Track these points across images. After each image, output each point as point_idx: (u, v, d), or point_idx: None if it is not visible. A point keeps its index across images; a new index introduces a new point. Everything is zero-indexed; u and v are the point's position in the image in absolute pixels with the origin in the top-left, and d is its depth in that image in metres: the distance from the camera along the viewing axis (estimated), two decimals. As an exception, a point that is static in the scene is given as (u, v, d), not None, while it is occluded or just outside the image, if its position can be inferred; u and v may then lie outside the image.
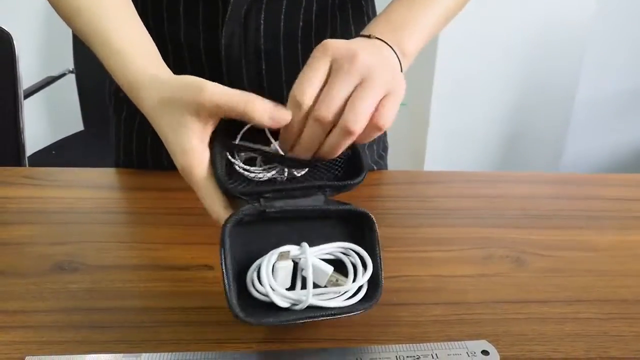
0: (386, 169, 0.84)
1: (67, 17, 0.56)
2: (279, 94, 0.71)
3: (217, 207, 0.45)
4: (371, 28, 0.54)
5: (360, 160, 0.48)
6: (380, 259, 0.46)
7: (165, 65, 0.52)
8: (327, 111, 0.44)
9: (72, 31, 0.56)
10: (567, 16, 1.82)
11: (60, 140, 1.88)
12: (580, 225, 0.65)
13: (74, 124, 1.94)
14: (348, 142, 0.45)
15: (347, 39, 0.49)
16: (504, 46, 1.81)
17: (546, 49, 1.85)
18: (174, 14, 0.68)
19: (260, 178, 0.46)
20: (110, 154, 0.82)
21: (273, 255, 0.44)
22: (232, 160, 0.47)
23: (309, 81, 0.44)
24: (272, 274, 0.43)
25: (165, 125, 0.46)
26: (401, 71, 0.51)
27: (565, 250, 0.60)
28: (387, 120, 0.45)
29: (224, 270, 0.41)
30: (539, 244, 0.61)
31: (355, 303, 0.44)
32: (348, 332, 0.47)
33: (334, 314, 0.43)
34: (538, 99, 1.93)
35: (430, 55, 1.77)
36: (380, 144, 0.83)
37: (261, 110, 0.44)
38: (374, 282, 0.45)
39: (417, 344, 0.45)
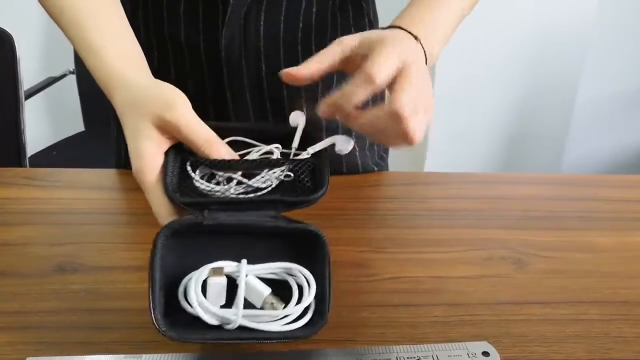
0: (387, 170, 0.84)
1: (53, 16, 0.56)
2: (278, 95, 0.72)
3: (162, 213, 0.44)
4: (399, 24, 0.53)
5: (323, 177, 0.44)
6: (330, 282, 0.42)
7: (146, 68, 0.52)
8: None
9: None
10: (568, 17, 1.82)
11: (61, 141, 1.88)
12: (582, 226, 0.65)
13: (75, 124, 1.94)
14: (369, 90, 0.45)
15: None
16: (505, 47, 1.81)
17: (547, 50, 1.85)
18: (174, 15, 0.68)
19: (213, 191, 0.44)
20: (111, 155, 0.82)
21: (205, 270, 0.42)
22: (189, 171, 0.44)
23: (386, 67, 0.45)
24: (204, 289, 0.42)
25: (128, 127, 0.46)
26: None
27: (566, 251, 0.60)
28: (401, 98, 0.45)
29: (150, 282, 0.40)
30: (539, 245, 0.61)
31: (295, 329, 0.41)
32: (348, 333, 0.47)
33: (267, 339, 0.41)
34: (539, 100, 1.93)
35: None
36: (381, 145, 0.83)
37: (216, 157, 0.45)
38: (321, 308, 0.42)
39: (418, 345, 0.45)
